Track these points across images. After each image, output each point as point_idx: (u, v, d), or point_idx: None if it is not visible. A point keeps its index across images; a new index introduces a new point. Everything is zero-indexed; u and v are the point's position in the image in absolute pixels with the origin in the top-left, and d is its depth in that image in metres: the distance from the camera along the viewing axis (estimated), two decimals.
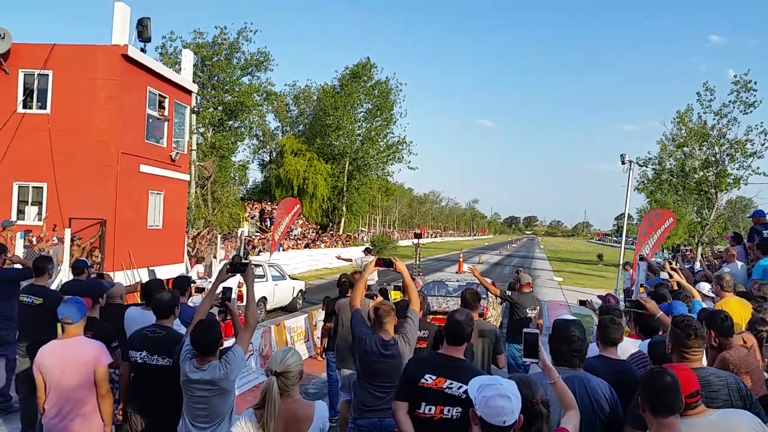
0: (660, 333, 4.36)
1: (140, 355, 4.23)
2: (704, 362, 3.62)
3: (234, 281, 7.33)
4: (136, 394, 4.33)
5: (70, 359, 4.09)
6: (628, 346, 4.43)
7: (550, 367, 2.99)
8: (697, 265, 19.79)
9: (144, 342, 4.26)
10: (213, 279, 10.60)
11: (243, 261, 5.06)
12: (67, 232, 12.65)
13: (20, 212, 14.58)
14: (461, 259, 34.73)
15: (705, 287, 6.87)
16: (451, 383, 3.38)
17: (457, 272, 29.51)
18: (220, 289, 4.43)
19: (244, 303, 4.18)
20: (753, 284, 7.08)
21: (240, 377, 7.80)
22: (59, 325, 4.30)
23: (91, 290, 5.43)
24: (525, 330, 3.03)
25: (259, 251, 25.97)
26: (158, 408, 4.22)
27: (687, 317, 3.46)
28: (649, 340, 4.20)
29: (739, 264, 8.60)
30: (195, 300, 9.11)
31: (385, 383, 4.22)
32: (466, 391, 3.08)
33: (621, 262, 22.07)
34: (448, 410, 3.37)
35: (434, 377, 3.41)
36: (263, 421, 2.93)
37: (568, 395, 2.92)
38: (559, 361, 3.34)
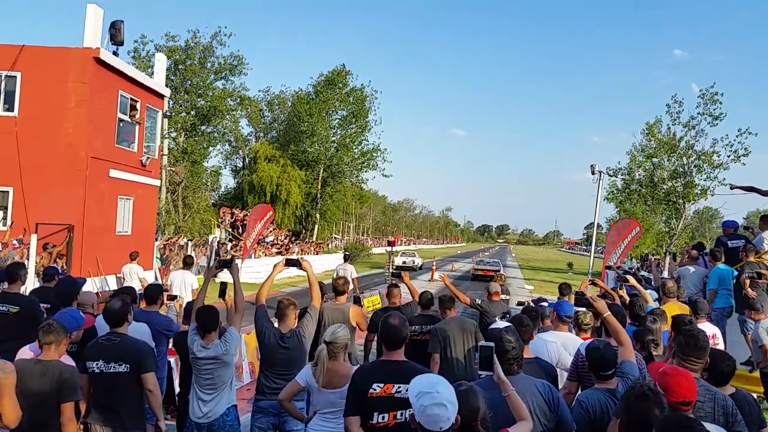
0: (603, 335, 4.38)
1: (97, 364, 4.18)
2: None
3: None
4: (96, 404, 4.25)
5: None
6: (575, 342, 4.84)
7: (504, 380, 3.10)
8: (665, 274, 20.27)
9: (100, 350, 4.23)
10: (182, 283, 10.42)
11: (228, 258, 5.56)
12: (33, 238, 12.40)
13: None
14: (434, 267, 34.88)
15: (653, 295, 7.75)
16: (399, 387, 3.40)
17: (429, 280, 29.71)
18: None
19: (233, 296, 4.93)
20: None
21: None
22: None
23: (67, 290, 5.56)
24: (480, 343, 3.08)
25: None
26: (120, 416, 4.18)
27: (695, 328, 3.50)
28: (588, 341, 4.26)
29: (692, 268, 9.29)
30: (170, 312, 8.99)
31: (282, 371, 4.72)
32: None
33: (590, 271, 22.44)
34: (401, 414, 3.39)
35: (382, 385, 3.44)
36: (316, 375, 3.96)
37: (522, 408, 3.03)
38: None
